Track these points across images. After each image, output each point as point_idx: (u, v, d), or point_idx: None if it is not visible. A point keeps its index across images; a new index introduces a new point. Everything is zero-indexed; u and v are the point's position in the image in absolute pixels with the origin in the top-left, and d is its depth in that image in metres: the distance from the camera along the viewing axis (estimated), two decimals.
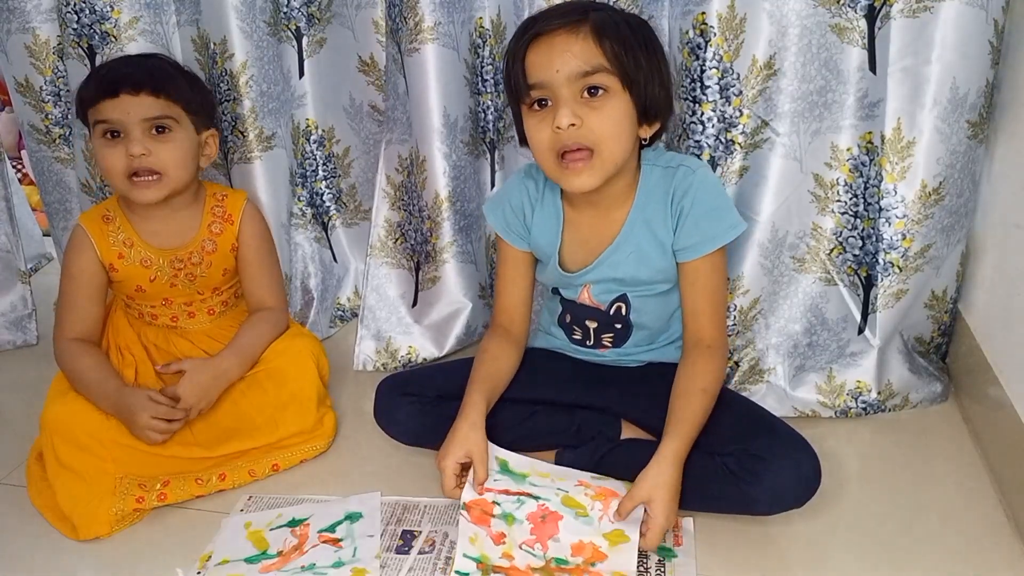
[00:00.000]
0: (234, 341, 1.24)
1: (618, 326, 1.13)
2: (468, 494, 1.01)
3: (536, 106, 0.99)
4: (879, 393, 1.23)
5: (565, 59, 0.95)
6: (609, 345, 1.15)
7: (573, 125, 0.96)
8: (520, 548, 0.97)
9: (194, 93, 1.21)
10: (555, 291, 1.16)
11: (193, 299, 1.28)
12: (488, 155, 1.44)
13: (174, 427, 1.14)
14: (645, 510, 0.96)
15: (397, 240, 1.48)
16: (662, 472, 0.95)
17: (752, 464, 0.96)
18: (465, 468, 1.04)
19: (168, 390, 1.16)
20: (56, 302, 1.29)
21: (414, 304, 1.50)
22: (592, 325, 1.14)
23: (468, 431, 1.03)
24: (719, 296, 1.08)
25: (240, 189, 1.39)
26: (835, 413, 1.24)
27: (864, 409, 1.24)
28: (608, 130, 0.97)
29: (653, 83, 0.99)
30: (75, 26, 1.37)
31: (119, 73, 1.16)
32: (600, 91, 0.96)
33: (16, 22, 1.44)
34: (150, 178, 1.16)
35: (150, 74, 1.16)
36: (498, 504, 1.01)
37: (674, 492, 0.95)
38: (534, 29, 0.97)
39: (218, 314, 1.31)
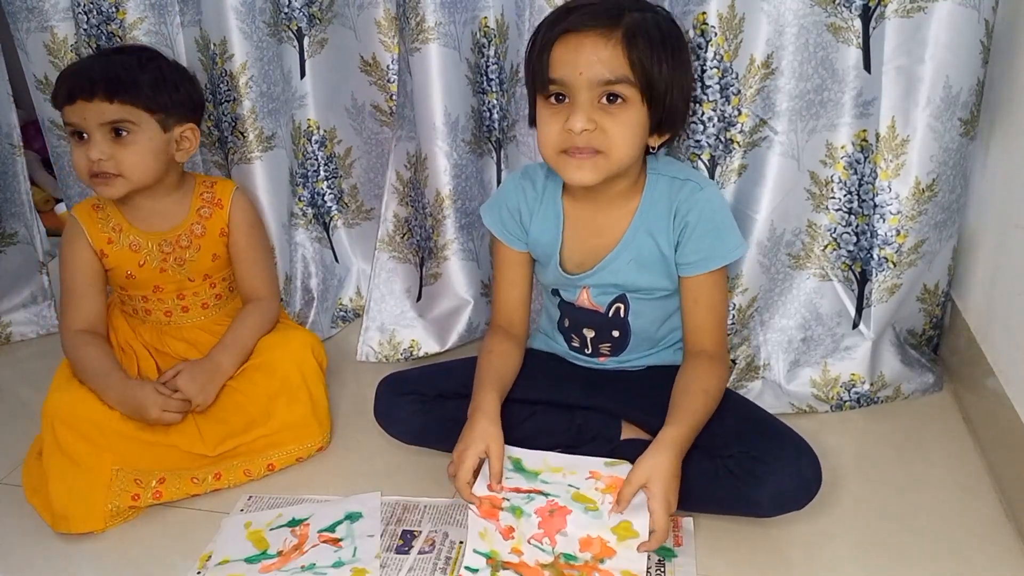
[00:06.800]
0: (225, 337, 1.18)
1: (615, 334, 1.06)
2: (480, 488, 0.95)
3: (553, 99, 0.92)
4: (871, 384, 1.19)
5: (591, 63, 0.88)
6: (608, 354, 1.09)
7: (586, 130, 0.90)
8: (529, 543, 0.92)
9: (157, 92, 1.12)
10: (554, 292, 1.09)
11: (184, 288, 1.21)
12: (494, 154, 1.37)
13: (184, 416, 1.10)
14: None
15: (404, 235, 1.42)
16: (659, 453, 0.89)
17: (753, 466, 0.91)
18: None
19: (169, 384, 1.11)
20: (59, 294, 1.24)
21: (419, 299, 1.44)
22: (589, 334, 1.08)
23: (487, 426, 0.96)
24: (720, 310, 1.03)
25: (229, 179, 1.33)
26: (831, 407, 1.19)
27: (857, 400, 1.19)
28: (619, 139, 0.91)
29: (673, 97, 0.92)
30: (85, 26, 1.34)
31: (77, 78, 1.09)
32: (619, 99, 0.90)
33: (35, 21, 1.39)
34: (109, 177, 1.11)
35: (106, 78, 1.08)
36: (507, 499, 0.94)
37: (672, 477, 0.88)
38: (566, 23, 0.89)
39: (212, 308, 1.25)
